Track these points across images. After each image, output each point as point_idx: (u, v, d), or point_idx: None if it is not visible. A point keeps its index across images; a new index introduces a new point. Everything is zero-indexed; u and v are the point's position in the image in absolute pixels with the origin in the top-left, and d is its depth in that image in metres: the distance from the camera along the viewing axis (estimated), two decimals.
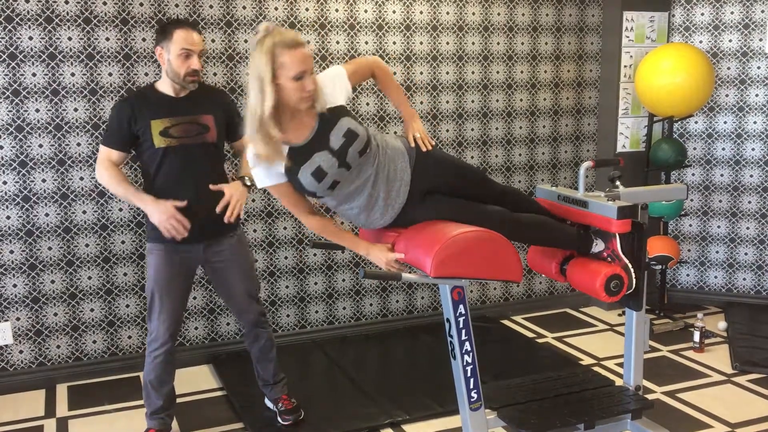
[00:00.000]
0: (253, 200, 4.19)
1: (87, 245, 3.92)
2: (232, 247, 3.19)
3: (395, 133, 4.43)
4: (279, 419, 3.39)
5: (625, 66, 4.78)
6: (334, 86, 2.44)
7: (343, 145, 2.35)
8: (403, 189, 2.46)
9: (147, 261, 3.11)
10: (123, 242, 3.98)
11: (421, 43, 4.44)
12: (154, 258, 3.06)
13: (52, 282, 3.89)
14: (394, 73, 4.40)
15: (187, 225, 2.95)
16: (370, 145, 2.41)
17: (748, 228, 4.90)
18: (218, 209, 3.02)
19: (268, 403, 3.50)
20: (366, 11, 4.28)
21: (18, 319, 3.86)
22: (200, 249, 3.12)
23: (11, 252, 3.80)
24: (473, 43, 4.57)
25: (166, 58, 2.96)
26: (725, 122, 4.87)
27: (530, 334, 4.58)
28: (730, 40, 4.78)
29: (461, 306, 2.48)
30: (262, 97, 2.28)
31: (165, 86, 3.03)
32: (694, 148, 4.96)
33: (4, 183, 3.75)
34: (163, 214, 2.92)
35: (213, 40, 3.99)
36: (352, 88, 2.50)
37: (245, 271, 3.25)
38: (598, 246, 2.67)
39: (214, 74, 4.01)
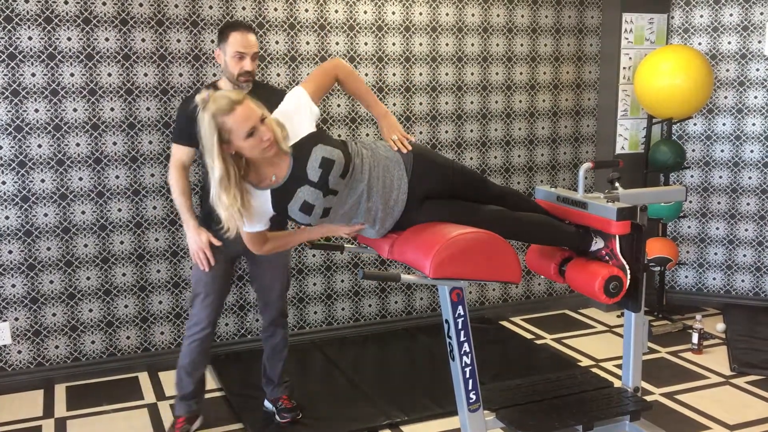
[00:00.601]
0: None
1: (86, 245, 3.92)
2: None
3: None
4: (277, 417, 3.42)
5: (624, 68, 4.78)
6: (299, 115, 2.38)
7: (322, 176, 2.31)
8: (401, 197, 2.44)
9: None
10: (122, 242, 3.98)
11: (421, 44, 4.44)
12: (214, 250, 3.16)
13: (51, 282, 3.89)
14: (393, 75, 4.40)
15: (212, 262, 3.12)
16: (353, 164, 2.37)
17: (746, 230, 4.91)
18: None
19: (267, 405, 3.51)
20: (365, 12, 4.28)
21: (16, 319, 3.86)
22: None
23: (10, 252, 3.80)
24: (472, 45, 4.57)
25: (223, 59, 3.13)
26: (724, 124, 4.88)
27: (529, 336, 4.58)
28: (729, 42, 4.78)
29: (460, 307, 2.48)
30: (212, 169, 2.26)
31: (225, 85, 3.18)
32: (693, 150, 4.97)
33: (3, 183, 3.75)
34: (195, 244, 3.11)
35: (212, 41, 3.99)
36: (318, 104, 2.44)
37: (283, 268, 3.35)
38: (598, 244, 2.67)
39: (214, 75, 4.01)
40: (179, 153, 3.20)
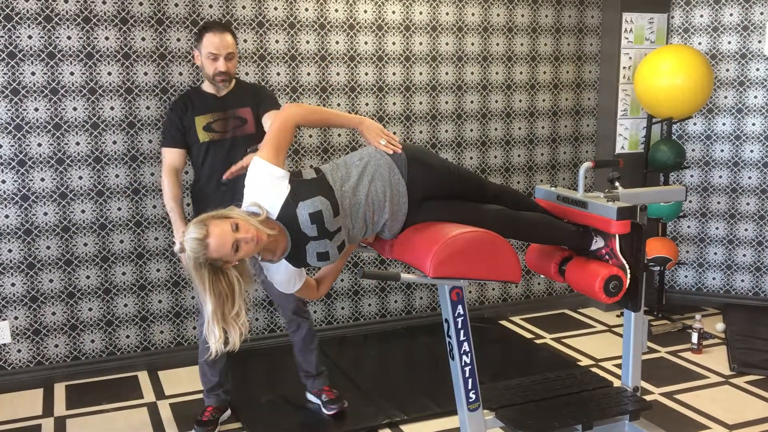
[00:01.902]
0: None
1: (85, 244, 3.92)
2: None
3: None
4: (323, 410, 3.45)
5: (624, 67, 4.78)
6: (268, 188, 2.31)
7: (318, 229, 2.28)
8: (402, 201, 2.43)
9: None
10: (122, 241, 3.98)
11: (421, 43, 4.44)
12: None
13: (51, 281, 3.89)
14: (393, 74, 4.40)
15: None
16: (339, 196, 2.33)
17: (746, 230, 4.91)
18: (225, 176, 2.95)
19: (310, 397, 3.55)
20: (366, 11, 4.28)
21: (16, 318, 3.86)
22: None
23: (9, 251, 3.80)
24: (473, 44, 4.57)
25: (200, 60, 3.20)
26: (724, 124, 4.88)
27: (529, 335, 4.58)
28: (729, 42, 4.78)
29: (460, 306, 2.48)
30: (204, 304, 2.24)
31: (207, 86, 3.27)
32: (693, 150, 4.97)
33: (3, 182, 3.74)
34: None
35: None
36: (282, 163, 2.34)
37: None
38: (598, 243, 2.67)
39: None
40: (170, 157, 3.25)
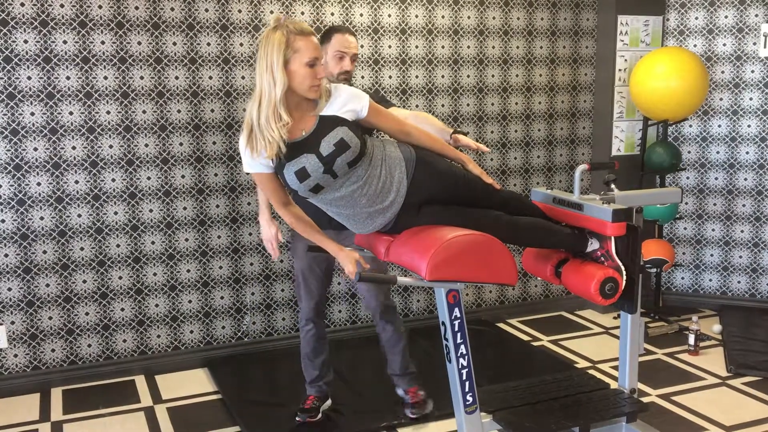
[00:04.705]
0: (249, 203, 4.19)
1: (82, 249, 3.92)
2: None
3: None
4: (405, 410, 3.46)
5: (619, 70, 4.80)
6: (349, 101, 2.42)
7: (331, 154, 2.33)
8: (397, 200, 2.42)
9: (292, 246, 3.43)
10: (118, 246, 3.98)
11: (417, 46, 4.45)
12: (299, 244, 3.32)
13: (47, 286, 3.88)
14: (390, 77, 4.40)
15: (275, 256, 3.32)
16: (363, 158, 2.37)
17: (742, 231, 4.92)
18: None
19: (399, 391, 3.56)
20: (362, 15, 4.29)
21: (13, 322, 3.85)
22: (337, 236, 3.14)
23: (6, 255, 3.79)
24: (468, 47, 4.58)
25: (324, 59, 3.23)
26: (719, 126, 4.89)
27: (525, 337, 4.58)
28: (724, 44, 4.80)
29: (456, 309, 2.48)
30: (273, 84, 2.30)
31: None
32: (689, 152, 4.98)
33: None
34: (264, 235, 3.31)
35: (209, 44, 3.99)
36: (366, 116, 2.45)
37: (375, 263, 3.33)
38: (593, 245, 2.67)
39: (210, 77, 4.01)
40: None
